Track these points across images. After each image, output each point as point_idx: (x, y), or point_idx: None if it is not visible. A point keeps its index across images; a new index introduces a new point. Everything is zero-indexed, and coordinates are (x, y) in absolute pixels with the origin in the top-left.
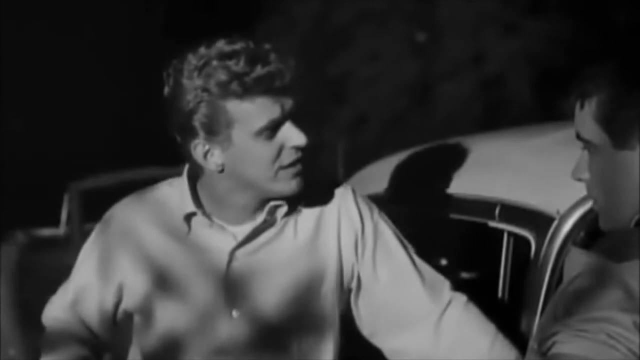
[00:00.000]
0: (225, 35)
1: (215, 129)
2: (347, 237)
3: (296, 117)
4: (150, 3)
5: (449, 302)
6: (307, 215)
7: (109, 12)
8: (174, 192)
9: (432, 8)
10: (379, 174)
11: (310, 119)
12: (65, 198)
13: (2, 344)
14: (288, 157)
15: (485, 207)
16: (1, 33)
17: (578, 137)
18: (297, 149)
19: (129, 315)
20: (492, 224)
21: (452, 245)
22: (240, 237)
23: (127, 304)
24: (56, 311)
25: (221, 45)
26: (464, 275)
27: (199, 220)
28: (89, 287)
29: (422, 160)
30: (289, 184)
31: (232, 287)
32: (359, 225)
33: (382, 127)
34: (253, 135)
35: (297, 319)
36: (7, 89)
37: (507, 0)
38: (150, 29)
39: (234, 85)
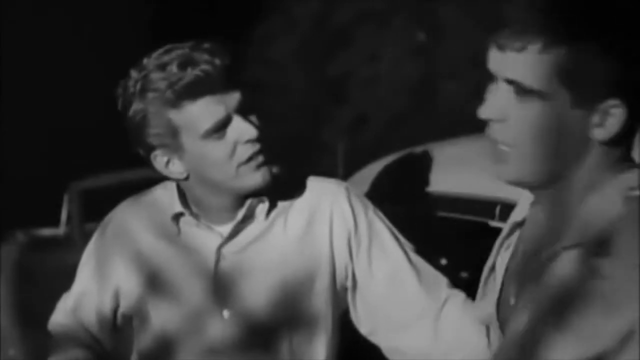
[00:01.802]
0: (225, 36)
1: (165, 139)
2: (339, 236)
3: (245, 109)
4: (150, 3)
5: (447, 300)
6: (298, 212)
7: (109, 12)
8: (166, 194)
9: (433, 8)
10: (379, 174)
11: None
12: (65, 198)
13: (2, 344)
14: (245, 152)
15: (485, 206)
16: (1, 33)
17: (510, 82)
18: (253, 141)
19: (128, 319)
20: (493, 223)
21: (452, 245)
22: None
23: (124, 307)
24: (60, 317)
25: (157, 54)
26: (464, 275)
27: (187, 221)
28: (87, 293)
29: (422, 160)
30: (253, 178)
31: (221, 287)
32: (351, 223)
33: (382, 127)
34: (201, 139)
35: (289, 318)
36: (7, 89)
37: (507, 0)
38: (150, 29)
39: (168, 94)
